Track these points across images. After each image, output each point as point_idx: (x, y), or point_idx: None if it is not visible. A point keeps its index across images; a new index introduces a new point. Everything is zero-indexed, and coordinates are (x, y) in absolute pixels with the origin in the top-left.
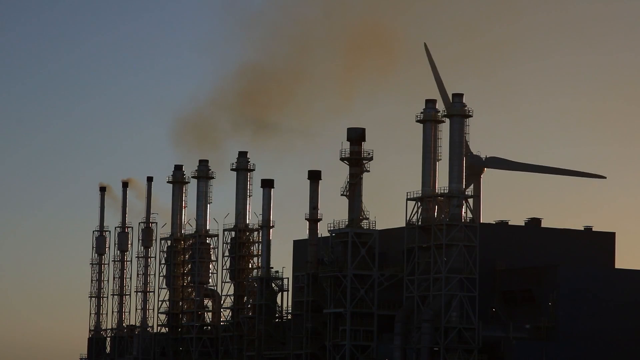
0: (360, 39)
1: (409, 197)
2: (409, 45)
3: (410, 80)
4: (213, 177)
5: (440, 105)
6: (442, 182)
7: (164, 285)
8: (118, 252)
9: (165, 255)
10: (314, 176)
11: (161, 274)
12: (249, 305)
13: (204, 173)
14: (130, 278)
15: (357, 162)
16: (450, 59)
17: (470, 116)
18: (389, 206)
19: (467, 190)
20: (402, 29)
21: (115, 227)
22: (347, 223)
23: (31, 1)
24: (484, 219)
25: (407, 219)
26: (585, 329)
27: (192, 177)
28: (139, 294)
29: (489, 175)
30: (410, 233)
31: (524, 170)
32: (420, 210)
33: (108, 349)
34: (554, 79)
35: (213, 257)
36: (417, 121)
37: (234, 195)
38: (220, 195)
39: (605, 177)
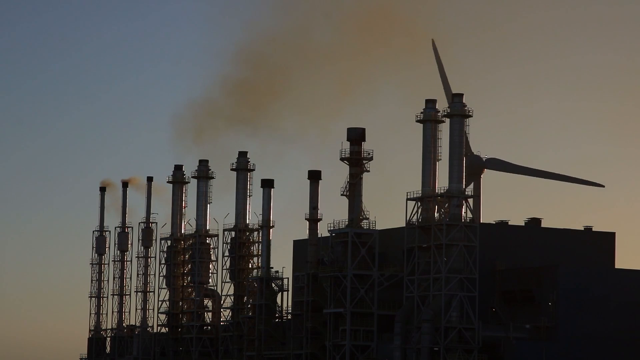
0: (361, 40)
1: (409, 197)
2: (409, 45)
3: (411, 80)
4: (213, 177)
5: (442, 104)
6: (442, 182)
7: (164, 285)
8: (118, 252)
9: (165, 255)
10: (314, 176)
11: (161, 274)
12: (249, 305)
13: (204, 173)
14: (130, 278)
15: (357, 162)
16: (450, 59)
17: (470, 116)
18: (389, 206)
19: (467, 190)
20: (401, 29)
21: (115, 227)
22: (347, 223)
23: (31, 2)
24: (484, 219)
25: (407, 219)
26: (585, 329)
27: (192, 177)
28: (139, 294)
29: (489, 175)
30: (410, 233)
31: (523, 173)
32: (420, 210)
33: (108, 349)
34: (555, 79)
35: (213, 257)
36: (417, 121)
37: (234, 195)
38: (220, 195)
39: (603, 186)
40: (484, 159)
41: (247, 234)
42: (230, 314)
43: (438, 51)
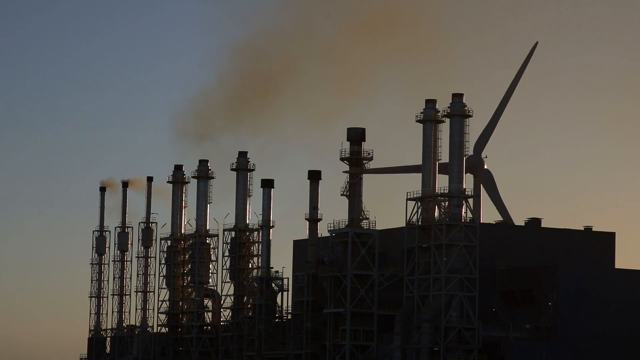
0: (361, 40)
1: (409, 197)
2: (410, 46)
3: (411, 80)
4: (213, 177)
5: (443, 104)
6: (442, 182)
7: (164, 285)
8: (118, 252)
9: (165, 255)
10: (314, 176)
11: (161, 274)
12: (249, 305)
13: (204, 173)
14: (130, 278)
15: (357, 162)
16: (451, 58)
17: (470, 116)
18: (389, 206)
19: (467, 190)
20: (402, 30)
21: (115, 227)
22: (347, 223)
23: (31, 2)
24: (484, 219)
25: (407, 219)
26: (585, 329)
27: (192, 177)
28: (139, 294)
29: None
30: (410, 233)
31: (497, 207)
32: (420, 210)
33: (108, 349)
34: (555, 79)
35: (213, 257)
36: (417, 121)
37: (234, 195)
38: (220, 195)
39: None
40: (484, 166)
41: (247, 234)
42: (230, 314)
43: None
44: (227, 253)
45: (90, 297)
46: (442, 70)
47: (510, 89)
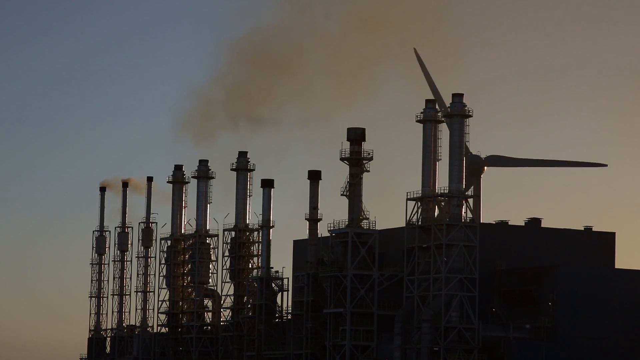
0: (361, 40)
1: (409, 197)
2: (409, 45)
3: (411, 80)
4: (213, 177)
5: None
6: (442, 182)
7: (164, 285)
8: (118, 252)
9: (165, 255)
10: (314, 176)
11: (161, 274)
12: (249, 305)
13: (204, 173)
14: (130, 278)
15: (357, 162)
16: (451, 58)
17: (470, 116)
18: (389, 206)
19: (467, 190)
20: (403, 30)
21: (115, 227)
22: (347, 223)
23: (31, 2)
24: (484, 219)
25: (407, 219)
26: (585, 329)
27: (192, 177)
28: (139, 294)
29: (489, 175)
30: (410, 233)
31: (524, 165)
32: (420, 210)
33: (108, 349)
34: (554, 78)
35: (213, 257)
36: (417, 121)
37: (234, 195)
38: (220, 195)
39: (606, 165)
40: (483, 158)
41: (247, 234)
42: (230, 314)
43: (422, 59)
44: (227, 253)
45: (90, 297)
46: (443, 70)
47: (557, 163)
